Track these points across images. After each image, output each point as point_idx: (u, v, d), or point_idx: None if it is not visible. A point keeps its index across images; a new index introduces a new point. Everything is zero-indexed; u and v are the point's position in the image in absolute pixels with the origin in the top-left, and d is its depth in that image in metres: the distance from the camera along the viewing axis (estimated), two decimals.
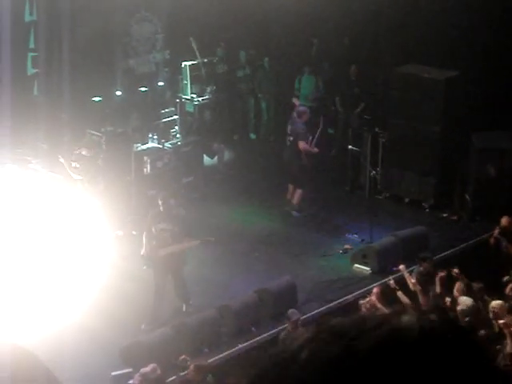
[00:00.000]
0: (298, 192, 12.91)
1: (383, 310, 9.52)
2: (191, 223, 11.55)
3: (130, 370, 9.21)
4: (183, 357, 8.77)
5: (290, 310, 9.77)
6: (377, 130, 13.20)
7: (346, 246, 12.36)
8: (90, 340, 9.78)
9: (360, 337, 1.41)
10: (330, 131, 15.10)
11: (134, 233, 11.95)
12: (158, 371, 8.41)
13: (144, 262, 10.82)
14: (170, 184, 12.93)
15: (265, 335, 10.25)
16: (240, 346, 10.07)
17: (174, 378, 8.87)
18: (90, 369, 9.42)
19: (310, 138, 12.71)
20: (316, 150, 12.69)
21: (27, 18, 13.23)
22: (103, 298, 10.34)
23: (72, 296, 10.67)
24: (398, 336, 1.41)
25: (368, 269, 11.71)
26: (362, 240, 12.37)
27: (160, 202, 10.66)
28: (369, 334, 1.41)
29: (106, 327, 10.00)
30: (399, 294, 9.96)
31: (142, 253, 10.69)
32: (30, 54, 13.38)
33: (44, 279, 10.96)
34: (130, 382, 8.69)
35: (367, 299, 9.92)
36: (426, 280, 10.23)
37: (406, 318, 1.43)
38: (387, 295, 9.97)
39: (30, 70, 13.39)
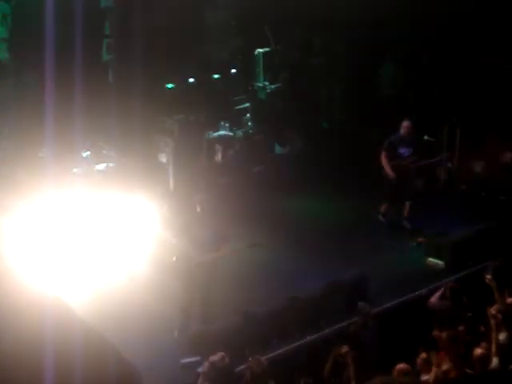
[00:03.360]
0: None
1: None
2: (262, 212, 11.50)
3: (199, 358, 9.20)
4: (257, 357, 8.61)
5: (361, 303, 9.60)
6: (454, 119, 12.87)
7: (420, 239, 12.12)
8: (160, 327, 9.82)
9: None
10: None
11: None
12: (227, 360, 8.35)
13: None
14: (241, 172, 12.87)
15: (334, 328, 10.09)
16: (309, 337, 9.94)
17: (242, 367, 8.79)
18: (160, 356, 9.43)
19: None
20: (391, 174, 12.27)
21: (103, 4, 13.28)
22: (173, 286, 10.35)
23: (143, 283, 10.74)
24: None
25: (442, 262, 11.45)
26: (437, 233, 12.10)
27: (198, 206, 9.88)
28: None
29: (177, 315, 10.01)
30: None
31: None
32: (106, 40, 13.44)
33: (115, 265, 11.08)
34: (199, 369, 8.66)
35: (437, 294, 9.76)
36: (501, 276, 9.93)
37: None
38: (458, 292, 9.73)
39: (105, 56, 13.45)
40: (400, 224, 12.50)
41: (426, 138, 12.77)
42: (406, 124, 12.14)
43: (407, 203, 12.49)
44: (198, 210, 9.81)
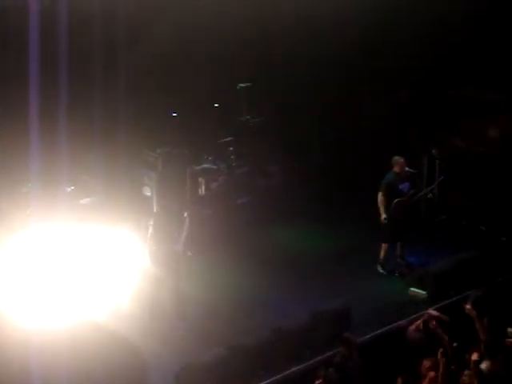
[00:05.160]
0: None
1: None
2: (246, 242, 11.63)
3: None
4: None
5: (346, 334, 9.70)
6: (433, 151, 13.08)
7: (402, 269, 12.27)
8: (146, 362, 9.83)
9: None
10: None
11: (189, 254, 11.99)
12: None
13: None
14: (225, 204, 12.98)
15: (319, 358, 10.17)
16: (294, 368, 10.01)
17: None
18: None
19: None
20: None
21: None
22: (158, 319, 10.42)
23: (128, 319, 10.77)
24: None
25: (424, 293, 11.58)
26: (419, 263, 12.25)
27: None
28: None
29: (161, 349, 10.08)
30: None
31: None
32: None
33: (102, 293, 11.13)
34: None
35: (415, 324, 9.91)
36: (482, 305, 10.07)
37: None
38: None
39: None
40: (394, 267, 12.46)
41: (406, 169, 12.97)
42: (400, 161, 12.25)
43: (401, 243, 12.52)
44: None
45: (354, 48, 14.44)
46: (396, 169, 12.26)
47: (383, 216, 12.13)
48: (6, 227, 11.74)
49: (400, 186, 12.27)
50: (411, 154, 13.34)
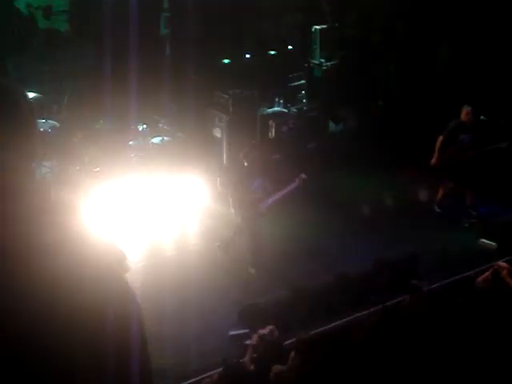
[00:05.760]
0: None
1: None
2: (313, 189, 11.54)
3: (247, 330, 9.30)
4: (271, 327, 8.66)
5: (414, 281, 9.58)
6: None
7: (473, 220, 12.04)
8: (211, 300, 9.96)
9: None
10: None
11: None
12: (276, 333, 8.43)
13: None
14: (295, 148, 12.89)
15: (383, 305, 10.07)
16: (357, 314, 9.96)
17: (291, 341, 8.87)
18: (210, 327, 9.58)
19: None
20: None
21: None
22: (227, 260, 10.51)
23: (196, 255, 10.91)
24: None
25: (494, 243, 11.36)
26: (490, 213, 11.99)
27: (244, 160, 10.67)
28: None
29: (229, 286, 10.22)
30: None
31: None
32: (164, 15, 13.54)
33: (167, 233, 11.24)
34: (248, 342, 8.75)
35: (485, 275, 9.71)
36: None
37: None
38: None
39: (163, 31, 13.56)
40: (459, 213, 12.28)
41: (481, 118, 12.60)
42: (466, 110, 11.90)
43: (470, 191, 12.24)
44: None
45: None
46: (462, 117, 11.94)
47: (432, 160, 11.92)
48: (82, 164, 11.93)
49: (461, 136, 11.97)
50: (487, 103, 12.99)
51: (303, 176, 10.87)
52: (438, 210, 12.38)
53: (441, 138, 11.94)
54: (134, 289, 2.25)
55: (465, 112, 11.91)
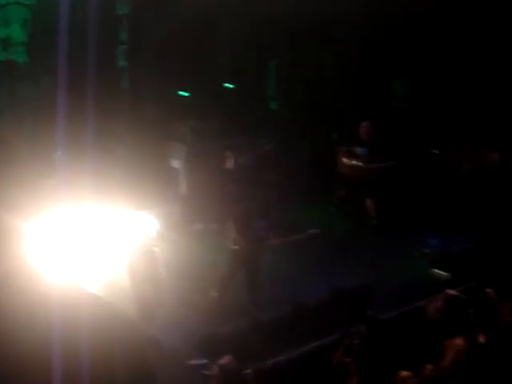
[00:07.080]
0: None
1: None
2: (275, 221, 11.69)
3: (206, 360, 9.34)
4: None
5: (369, 312, 9.72)
6: None
7: (426, 250, 12.26)
8: (174, 325, 10.00)
9: None
10: None
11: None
12: (234, 363, 8.48)
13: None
14: (254, 180, 13.03)
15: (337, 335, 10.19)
16: (313, 344, 10.06)
17: (249, 370, 8.93)
18: (168, 355, 9.60)
19: None
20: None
21: (119, 11, 13.47)
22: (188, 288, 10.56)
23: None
24: None
25: (447, 274, 11.58)
26: (443, 244, 12.24)
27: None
28: None
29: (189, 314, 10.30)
30: None
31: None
32: (121, 47, 13.62)
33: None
34: (207, 372, 8.79)
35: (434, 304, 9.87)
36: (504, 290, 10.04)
37: None
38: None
39: (121, 63, 13.64)
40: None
41: (433, 151, 12.94)
42: (363, 124, 12.65)
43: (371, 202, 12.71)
44: None
45: None
46: (360, 131, 12.59)
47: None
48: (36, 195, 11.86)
49: (358, 150, 12.48)
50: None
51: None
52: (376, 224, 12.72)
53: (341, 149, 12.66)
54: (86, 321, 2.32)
55: (362, 127, 12.57)
